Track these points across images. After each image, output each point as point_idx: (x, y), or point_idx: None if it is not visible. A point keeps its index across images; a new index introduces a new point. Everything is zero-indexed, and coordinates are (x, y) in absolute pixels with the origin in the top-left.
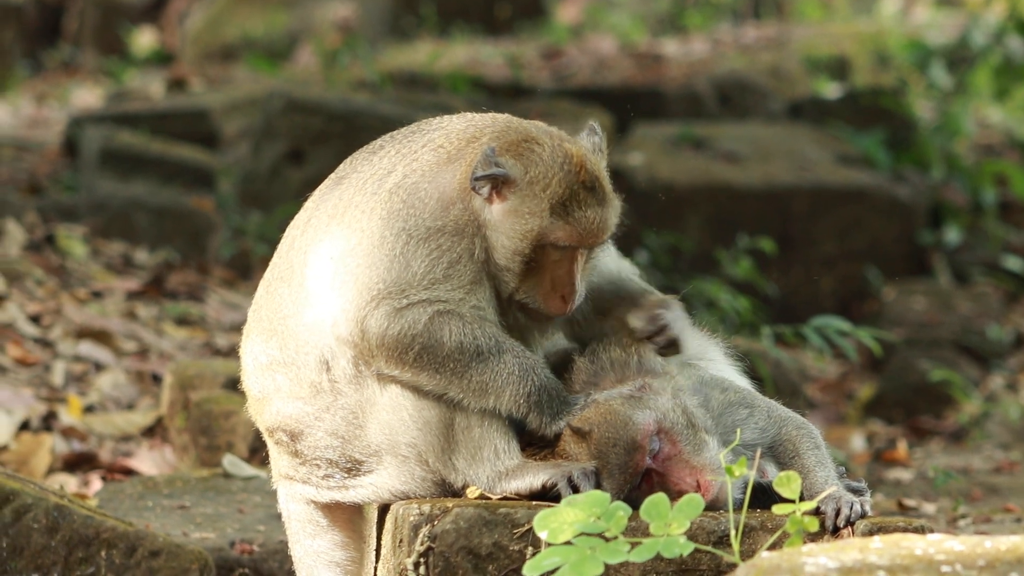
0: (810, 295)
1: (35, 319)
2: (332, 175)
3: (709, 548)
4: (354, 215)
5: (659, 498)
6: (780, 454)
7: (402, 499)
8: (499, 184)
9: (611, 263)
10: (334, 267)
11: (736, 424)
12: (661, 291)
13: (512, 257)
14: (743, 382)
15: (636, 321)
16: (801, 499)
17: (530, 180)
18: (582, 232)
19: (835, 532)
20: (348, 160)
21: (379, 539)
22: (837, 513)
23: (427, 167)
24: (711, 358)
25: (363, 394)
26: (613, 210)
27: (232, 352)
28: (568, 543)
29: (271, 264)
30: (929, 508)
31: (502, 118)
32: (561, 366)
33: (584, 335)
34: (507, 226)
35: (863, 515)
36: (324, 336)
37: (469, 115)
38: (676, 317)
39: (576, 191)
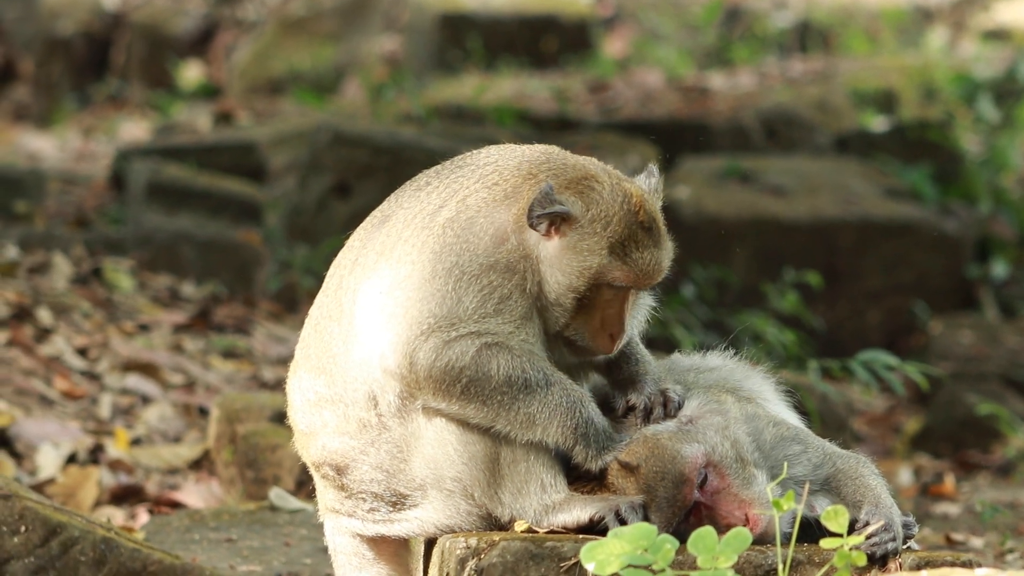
0: (857, 329)
1: (82, 352)
2: (375, 212)
3: None
4: (404, 249)
5: (706, 531)
6: (840, 484)
7: (448, 533)
8: (558, 221)
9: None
10: (383, 301)
11: (788, 459)
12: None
13: (566, 293)
14: (797, 421)
15: (634, 400)
16: (849, 533)
17: (591, 218)
18: (638, 273)
19: (883, 566)
20: (392, 197)
21: (425, 573)
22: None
23: (482, 203)
24: (767, 398)
25: (408, 428)
26: (668, 253)
27: (279, 385)
28: (615, 575)
29: (317, 302)
30: (977, 542)
31: (556, 154)
32: (603, 403)
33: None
34: (564, 263)
35: (910, 537)
36: (372, 371)
37: (518, 149)
38: (654, 392)
39: (635, 231)
